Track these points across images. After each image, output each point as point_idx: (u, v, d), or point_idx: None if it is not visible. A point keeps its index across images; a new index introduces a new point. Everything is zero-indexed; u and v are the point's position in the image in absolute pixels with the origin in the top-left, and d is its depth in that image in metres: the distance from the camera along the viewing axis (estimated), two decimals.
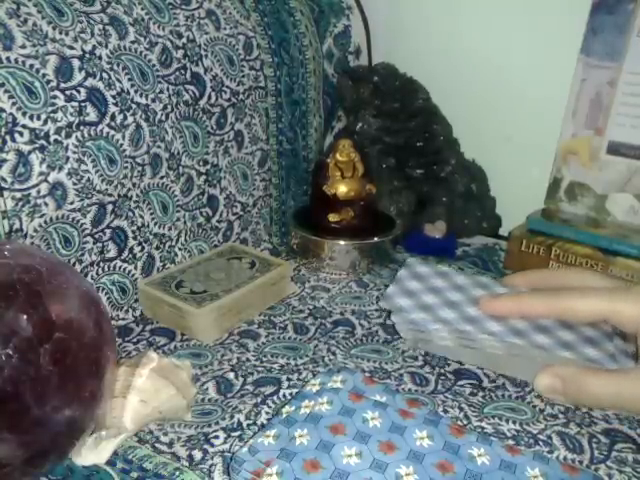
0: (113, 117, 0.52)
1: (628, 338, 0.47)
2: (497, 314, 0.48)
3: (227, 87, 0.63)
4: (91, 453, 0.40)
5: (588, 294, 0.47)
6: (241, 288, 0.57)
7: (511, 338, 0.46)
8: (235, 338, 0.55)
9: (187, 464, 0.40)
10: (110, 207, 0.54)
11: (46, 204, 0.49)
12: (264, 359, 0.51)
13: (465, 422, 0.44)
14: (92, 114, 0.51)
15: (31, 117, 0.47)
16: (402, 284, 0.53)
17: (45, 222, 0.49)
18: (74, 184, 0.50)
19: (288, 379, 0.49)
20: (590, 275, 0.51)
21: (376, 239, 0.67)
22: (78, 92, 0.50)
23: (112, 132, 0.52)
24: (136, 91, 0.54)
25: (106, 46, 0.52)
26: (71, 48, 0.50)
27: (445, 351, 0.49)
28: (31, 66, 0.47)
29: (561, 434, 0.43)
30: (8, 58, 0.46)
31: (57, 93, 0.48)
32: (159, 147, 0.57)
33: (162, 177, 0.58)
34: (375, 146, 0.75)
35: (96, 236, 0.53)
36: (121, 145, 0.53)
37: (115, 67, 0.52)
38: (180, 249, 0.62)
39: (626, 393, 0.42)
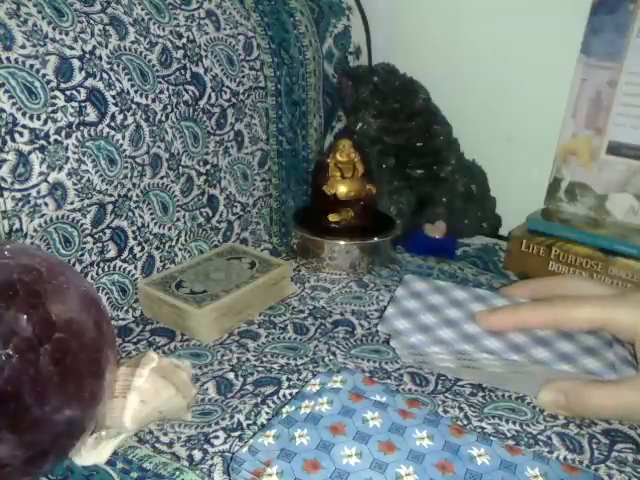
0: (113, 117, 0.52)
1: (627, 345, 0.47)
2: (494, 329, 0.47)
3: (227, 87, 0.63)
4: (91, 453, 0.40)
5: (584, 303, 0.46)
6: (241, 288, 0.57)
7: (510, 355, 0.45)
8: (235, 338, 0.55)
9: (187, 464, 0.40)
10: (110, 207, 0.54)
11: (46, 204, 0.49)
12: (264, 359, 0.51)
13: (465, 422, 0.44)
14: (92, 114, 0.51)
15: (31, 117, 0.47)
16: (400, 304, 0.51)
17: (45, 222, 0.49)
18: (74, 184, 0.50)
19: (288, 379, 0.49)
20: (588, 282, 0.50)
21: (376, 239, 0.67)
22: (78, 92, 0.50)
23: (112, 132, 0.52)
24: (136, 91, 0.54)
25: (106, 46, 0.52)
26: (71, 48, 0.50)
27: (447, 371, 0.49)
28: (31, 66, 0.47)
29: (561, 435, 0.43)
30: (8, 58, 0.46)
31: (57, 93, 0.48)
32: (159, 147, 0.57)
33: (162, 177, 0.58)
34: (375, 146, 0.74)
35: (96, 236, 0.53)
36: (121, 145, 0.53)
37: (115, 67, 0.53)
38: (180, 249, 0.62)
39: (627, 404, 0.42)
